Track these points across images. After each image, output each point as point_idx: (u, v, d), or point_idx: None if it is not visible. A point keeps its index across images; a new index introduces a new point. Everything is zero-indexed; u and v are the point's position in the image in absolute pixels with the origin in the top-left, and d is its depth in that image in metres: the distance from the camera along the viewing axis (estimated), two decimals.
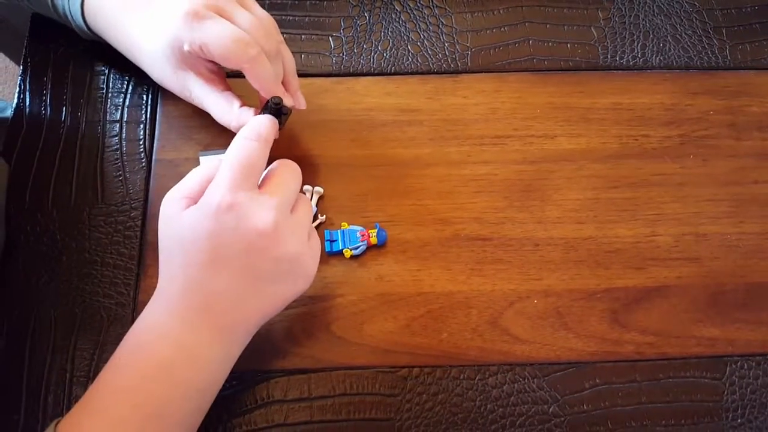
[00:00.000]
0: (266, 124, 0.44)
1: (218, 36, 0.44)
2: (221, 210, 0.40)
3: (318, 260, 0.45)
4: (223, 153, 0.43)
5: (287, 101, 0.48)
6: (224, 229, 0.40)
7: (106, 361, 0.41)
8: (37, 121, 0.54)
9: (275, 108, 0.46)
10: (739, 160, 0.55)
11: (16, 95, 0.55)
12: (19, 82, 0.56)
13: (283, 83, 0.49)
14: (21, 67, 0.56)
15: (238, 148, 0.42)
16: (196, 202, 0.41)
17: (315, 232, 0.46)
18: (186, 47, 0.45)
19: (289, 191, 0.43)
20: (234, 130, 0.46)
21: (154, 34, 0.47)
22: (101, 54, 0.54)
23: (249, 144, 0.42)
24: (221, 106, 0.48)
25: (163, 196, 0.43)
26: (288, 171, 0.44)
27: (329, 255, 0.51)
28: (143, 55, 0.50)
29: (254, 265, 0.41)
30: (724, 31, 0.60)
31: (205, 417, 0.43)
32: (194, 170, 0.43)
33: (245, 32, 0.45)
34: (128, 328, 0.42)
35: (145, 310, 0.42)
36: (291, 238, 0.42)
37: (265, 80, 0.46)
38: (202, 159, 0.52)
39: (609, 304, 0.50)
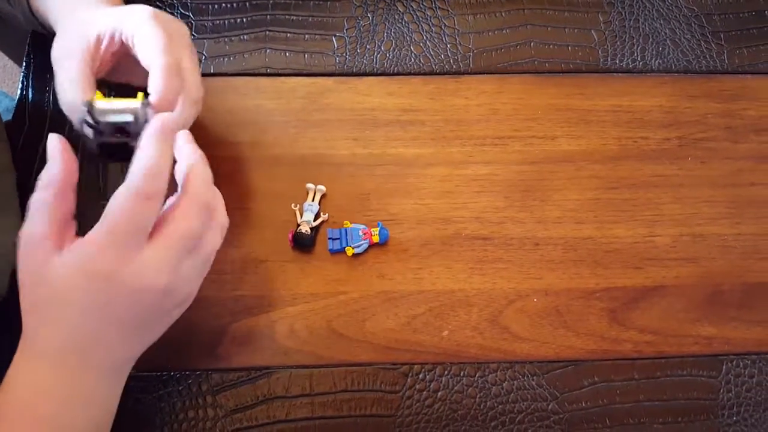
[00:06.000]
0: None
1: (156, 33, 0.43)
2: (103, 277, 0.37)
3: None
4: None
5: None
6: (112, 295, 0.37)
7: None
8: (40, 119, 0.54)
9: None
10: (737, 163, 0.56)
11: (19, 92, 0.55)
12: (21, 79, 0.56)
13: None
14: (23, 65, 0.56)
15: (124, 207, 0.37)
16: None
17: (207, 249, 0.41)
18: (126, 29, 0.44)
19: (189, 233, 0.38)
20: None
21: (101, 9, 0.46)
22: None
23: (138, 203, 0.37)
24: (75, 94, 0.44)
25: None
26: (191, 207, 0.39)
27: (332, 253, 0.51)
28: (72, 20, 0.46)
29: (143, 319, 0.39)
30: (722, 36, 0.60)
31: (207, 413, 0.43)
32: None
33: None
34: None
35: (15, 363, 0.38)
36: (184, 287, 0.40)
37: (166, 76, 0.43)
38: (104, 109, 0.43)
39: (608, 303, 0.51)
